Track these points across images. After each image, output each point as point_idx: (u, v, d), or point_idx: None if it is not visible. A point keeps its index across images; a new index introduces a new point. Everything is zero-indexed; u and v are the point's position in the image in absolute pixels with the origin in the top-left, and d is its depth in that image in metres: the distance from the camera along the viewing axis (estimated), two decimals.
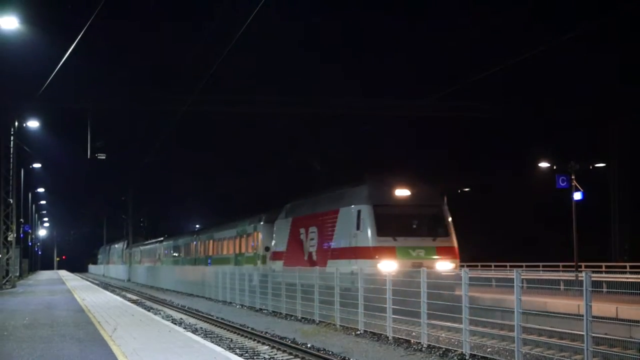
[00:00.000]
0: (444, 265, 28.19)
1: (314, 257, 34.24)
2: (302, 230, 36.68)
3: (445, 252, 29.22)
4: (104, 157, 58.45)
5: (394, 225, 29.60)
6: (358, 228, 29.41)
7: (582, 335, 14.45)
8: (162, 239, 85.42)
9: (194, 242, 65.82)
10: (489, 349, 18.32)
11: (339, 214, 31.93)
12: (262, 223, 44.29)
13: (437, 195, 32.44)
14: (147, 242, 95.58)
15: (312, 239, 35.14)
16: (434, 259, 28.59)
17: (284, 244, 39.35)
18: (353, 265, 28.30)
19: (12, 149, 53.48)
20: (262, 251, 42.87)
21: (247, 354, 20.22)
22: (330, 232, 32.65)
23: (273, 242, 41.43)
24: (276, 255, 40.08)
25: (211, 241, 59.28)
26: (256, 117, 61.62)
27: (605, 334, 16.81)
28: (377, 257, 27.97)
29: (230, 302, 41.20)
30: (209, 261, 59.30)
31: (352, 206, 30.54)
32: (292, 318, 30.54)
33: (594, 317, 14.87)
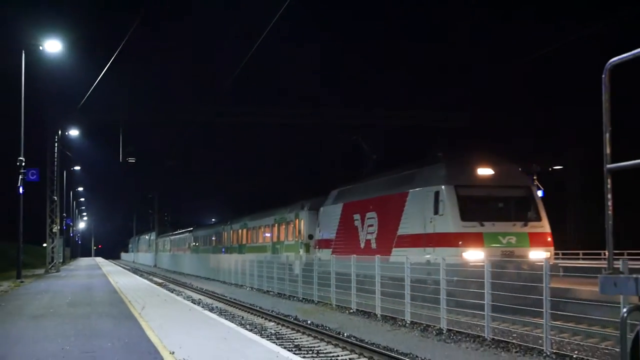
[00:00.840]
0: (538, 255, 22.01)
1: (373, 245, 27.69)
2: (357, 217, 29.81)
3: (538, 238, 22.93)
4: (133, 161, 59.13)
5: (480, 208, 23.34)
6: (436, 212, 22.75)
7: None
8: (191, 229, 78.10)
9: (226, 232, 57.93)
10: None
11: (407, 197, 25.17)
12: (305, 210, 37.52)
13: (524, 175, 25.72)
14: (176, 232, 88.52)
15: (370, 226, 28.36)
16: (527, 247, 22.54)
17: (332, 231, 32.87)
18: (428, 254, 22.64)
19: (56, 154, 53.44)
20: (306, 239, 36.58)
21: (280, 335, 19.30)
22: (396, 217, 25.85)
23: (318, 230, 34.91)
24: (322, 244, 33.89)
25: (245, 230, 51.93)
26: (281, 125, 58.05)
27: None
28: (461, 244, 21.74)
29: (268, 290, 34.75)
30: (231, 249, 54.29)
31: (428, 187, 23.51)
32: (344, 309, 24.45)
33: None
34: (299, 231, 38.01)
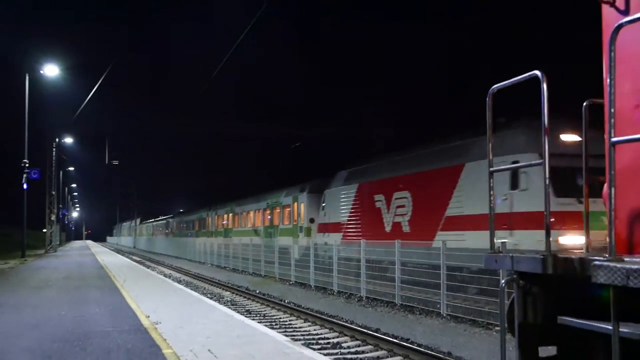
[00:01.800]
0: None
1: (406, 229, 19.86)
2: (380, 197, 21.67)
3: None
4: (117, 163, 59.10)
5: (574, 181, 14.92)
6: (514, 187, 15.30)
7: None
8: (172, 215, 70.84)
9: (210, 217, 48.99)
10: None
11: (462, 172, 17.34)
12: (305, 193, 29.38)
13: None
14: (158, 219, 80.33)
15: (401, 207, 20.24)
16: None
17: (342, 214, 24.80)
18: (501, 239, 10.49)
19: (54, 158, 53.72)
20: (307, 223, 28.75)
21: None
22: (442, 195, 18.15)
23: (323, 213, 26.87)
24: (329, 227, 25.88)
25: (231, 215, 42.68)
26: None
27: None
28: (557, 226, 13.84)
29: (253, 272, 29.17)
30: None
31: (502, 158, 14.35)
32: (355, 300, 17.91)
33: None
34: (298, 215, 30.25)
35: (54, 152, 53.85)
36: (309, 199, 29.06)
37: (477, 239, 15.51)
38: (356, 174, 24.59)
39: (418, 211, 19.66)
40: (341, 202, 25.13)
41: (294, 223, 30.53)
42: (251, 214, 38.32)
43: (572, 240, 13.98)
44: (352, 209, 24.11)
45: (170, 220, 68.79)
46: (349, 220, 24.23)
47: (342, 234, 24.42)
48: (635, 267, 3.68)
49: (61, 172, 67.16)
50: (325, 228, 26.45)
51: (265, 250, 28.50)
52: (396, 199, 20.84)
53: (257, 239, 33.08)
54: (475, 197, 16.63)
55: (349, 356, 10.35)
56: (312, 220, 28.38)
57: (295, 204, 30.59)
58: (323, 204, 27.13)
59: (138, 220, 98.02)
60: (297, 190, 30.70)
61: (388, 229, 21.10)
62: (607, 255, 4.07)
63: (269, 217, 34.71)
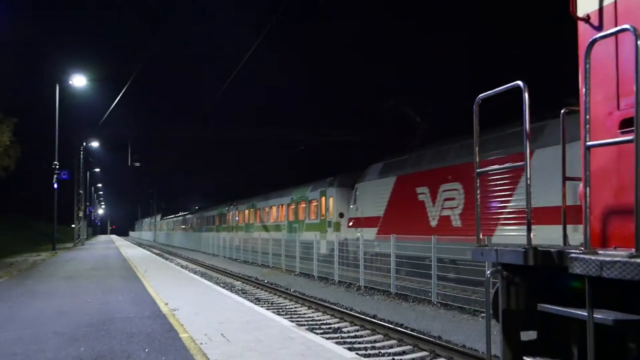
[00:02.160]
0: None
1: (455, 223, 16.84)
2: (423, 190, 18.53)
3: None
4: (138, 164, 59.17)
5: None
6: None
7: None
8: (192, 210, 68.22)
9: (230, 212, 45.23)
10: None
11: (533, 160, 12.51)
12: (335, 187, 26.02)
13: None
14: (177, 215, 77.59)
15: (450, 199, 17.18)
16: None
17: (377, 208, 21.36)
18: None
19: (81, 160, 53.75)
20: (336, 218, 25.47)
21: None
22: (503, 186, 15.20)
23: (354, 207, 23.38)
24: (362, 222, 22.51)
25: (252, 210, 39.11)
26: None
27: None
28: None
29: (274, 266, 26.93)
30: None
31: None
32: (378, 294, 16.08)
33: None
34: (326, 209, 26.74)
35: (81, 155, 53.95)
36: (339, 193, 25.80)
37: (550, 233, 11.97)
38: (393, 166, 21.20)
39: (472, 204, 15.72)
40: (375, 195, 21.76)
41: (322, 218, 27.20)
42: (274, 209, 35.01)
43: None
44: (389, 202, 20.78)
45: (189, 216, 67.46)
46: (386, 214, 20.83)
47: (377, 228, 21.19)
48: (608, 259, 3.69)
49: (88, 173, 67.35)
50: (357, 223, 23.09)
51: (287, 244, 26.28)
52: (444, 191, 17.76)
53: (278, 234, 30.71)
54: (546, 187, 13.15)
55: (348, 340, 10.35)
56: (341, 215, 25.37)
57: (323, 198, 27.26)
58: (354, 198, 23.70)
59: (158, 217, 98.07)
60: (325, 184, 27.26)
61: (434, 223, 17.69)
62: (582, 249, 4.09)
63: (293, 212, 31.41)
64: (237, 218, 43.50)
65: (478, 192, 5.61)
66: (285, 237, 28.19)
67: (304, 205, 29.68)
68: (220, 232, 45.81)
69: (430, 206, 18.39)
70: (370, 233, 21.28)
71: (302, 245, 24.54)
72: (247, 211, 40.83)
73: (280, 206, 33.68)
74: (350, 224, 23.82)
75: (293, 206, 31.34)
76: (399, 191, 20.35)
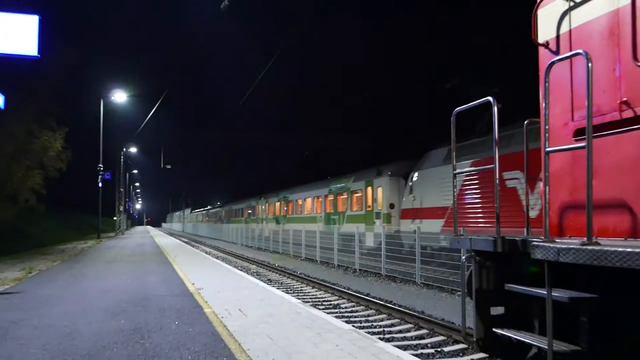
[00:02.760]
0: None
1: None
2: (517, 174, 12.86)
3: None
4: (170, 167, 59.27)
5: None
6: None
7: None
8: (217, 205, 64.08)
9: (260, 205, 39.70)
10: None
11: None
12: (385, 176, 21.02)
13: None
14: (204, 209, 73.53)
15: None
16: None
17: (443, 197, 16.56)
18: None
19: (122, 163, 53.78)
20: (386, 209, 20.61)
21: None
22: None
23: (410, 197, 18.61)
24: (417, 213, 18.02)
25: (284, 202, 33.76)
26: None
27: None
28: None
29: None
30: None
31: None
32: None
33: None
34: (373, 200, 21.76)
35: (121, 159, 54.16)
36: (389, 183, 20.86)
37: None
38: (465, 150, 15.43)
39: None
40: (440, 184, 16.95)
41: (368, 209, 22.32)
42: (308, 201, 29.76)
43: None
44: (461, 190, 15.26)
45: (215, 209, 64.57)
46: (460, 204, 15.13)
47: (444, 220, 16.54)
48: (564, 246, 3.70)
49: (127, 174, 67.58)
50: (414, 214, 18.39)
51: (322, 236, 21.93)
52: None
53: (312, 225, 26.19)
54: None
55: (346, 314, 10.35)
56: (391, 206, 20.60)
57: (369, 188, 22.26)
58: (410, 188, 18.94)
59: (186, 211, 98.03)
60: (372, 174, 22.20)
61: (534, 214, 11.23)
62: (542, 238, 4.09)
63: (331, 203, 26.30)
64: (266, 211, 38.53)
65: (455, 190, 5.61)
66: (321, 228, 23.89)
67: (345, 196, 24.60)
68: (249, 224, 41.45)
69: (529, 194, 11.99)
70: (432, 225, 17.03)
71: (342, 237, 20.43)
72: (277, 204, 35.53)
73: (315, 198, 28.54)
74: (405, 215, 19.15)
75: (331, 198, 26.31)
76: (481, 177, 14.79)
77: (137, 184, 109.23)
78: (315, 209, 28.60)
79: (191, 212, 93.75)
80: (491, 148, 13.98)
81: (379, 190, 21.49)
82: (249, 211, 44.24)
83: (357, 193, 23.62)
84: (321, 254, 21.63)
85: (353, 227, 20.61)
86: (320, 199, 27.81)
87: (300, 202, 31.18)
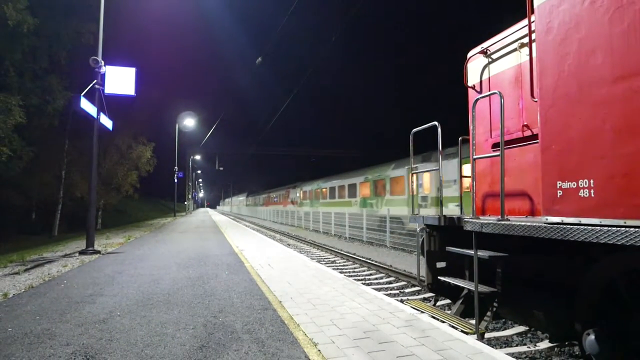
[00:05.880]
0: None
1: None
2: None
3: None
4: (222, 169, 59.11)
5: None
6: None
7: None
8: (258, 192, 53.90)
9: (298, 192, 30.47)
10: None
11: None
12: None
13: None
14: (250, 194, 61.61)
15: None
16: None
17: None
18: None
19: (190, 167, 53.74)
20: (435, 193, 13.09)
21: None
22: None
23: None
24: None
25: (316, 190, 26.19)
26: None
27: None
28: None
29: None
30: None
31: None
32: None
33: None
34: (419, 186, 14.08)
35: (190, 163, 54.24)
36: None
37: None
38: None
39: None
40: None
41: (412, 194, 11.02)
42: (342, 187, 21.93)
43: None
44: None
45: (256, 196, 55.43)
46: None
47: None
48: (485, 221, 3.70)
49: (194, 173, 67.72)
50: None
51: (368, 219, 16.03)
52: None
53: (349, 209, 20.27)
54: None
55: (339, 267, 10.33)
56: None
57: (414, 175, 11.41)
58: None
59: (234, 197, 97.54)
60: (417, 161, 13.86)
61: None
62: (471, 216, 4.09)
63: (368, 189, 18.70)
64: (300, 197, 30.30)
65: (413, 184, 5.58)
66: (366, 213, 16.86)
67: (382, 184, 17.41)
68: (286, 207, 34.24)
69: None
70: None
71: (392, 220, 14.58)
72: (311, 191, 27.70)
73: (349, 185, 21.08)
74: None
75: (368, 184, 18.82)
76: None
77: (200, 180, 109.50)
78: (349, 195, 21.16)
79: (245, 197, 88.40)
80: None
81: (426, 176, 14.21)
82: (282, 197, 36.64)
83: (398, 180, 16.33)
84: (335, 229, 19.17)
85: (392, 211, 15.62)
86: (356, 186, 20.30)
87: (334, 188, 23.29)
